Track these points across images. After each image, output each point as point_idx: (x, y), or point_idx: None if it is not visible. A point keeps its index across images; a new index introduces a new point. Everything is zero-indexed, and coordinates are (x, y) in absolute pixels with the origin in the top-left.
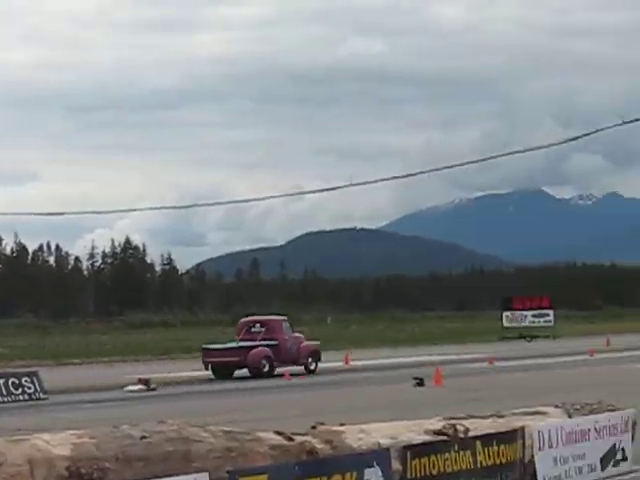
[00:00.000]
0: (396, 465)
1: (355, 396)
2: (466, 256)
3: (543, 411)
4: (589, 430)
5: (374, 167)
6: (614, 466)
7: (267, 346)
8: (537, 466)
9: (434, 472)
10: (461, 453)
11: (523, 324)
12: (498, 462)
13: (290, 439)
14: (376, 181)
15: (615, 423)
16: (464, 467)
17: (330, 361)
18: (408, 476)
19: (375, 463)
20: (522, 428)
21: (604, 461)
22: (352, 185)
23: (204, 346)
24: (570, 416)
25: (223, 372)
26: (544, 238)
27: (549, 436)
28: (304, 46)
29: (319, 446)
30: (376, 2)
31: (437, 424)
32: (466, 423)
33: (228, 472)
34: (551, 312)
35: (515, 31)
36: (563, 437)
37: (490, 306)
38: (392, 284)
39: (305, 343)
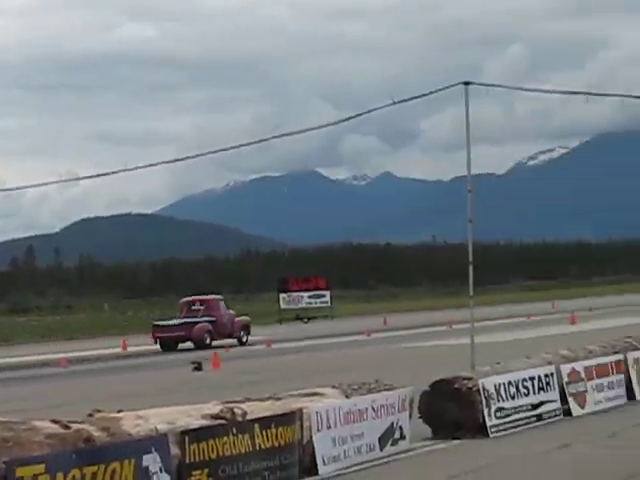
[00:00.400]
0: (175, 450)
1: (132, 382)
2: (241, 238)
3: (321, 392)
4: (367, 409)
5: (149, 152)
6: (392, 445)
7: (207, 322)
8: (316, 447)
9: (213, 456)
10: (239, 436)
11: (300, 305)
12: (277, 444)
13: (67, 427)
14: (150, 165)
15: (392, 402)
16: (243, 450)
17: (106, 347)
18: (187, 461)
19: (153, 449)
20: (300, 410)
21: (382, 440)
22: (126, 170)
23: (154, 323)
24: (348, 396)
25: (170, 345)
26: (319, 219)
27: (327, 417)
28: (74, 32)
29: (96, 434)
30: None
31: (215, 408)
32: (244, 406)
33: (5, 463)
34: (327, 293)
35: (287, 14)
36: (341, 417)
37: (266, 288)
38: (168, 268)
39: (238, 319)
